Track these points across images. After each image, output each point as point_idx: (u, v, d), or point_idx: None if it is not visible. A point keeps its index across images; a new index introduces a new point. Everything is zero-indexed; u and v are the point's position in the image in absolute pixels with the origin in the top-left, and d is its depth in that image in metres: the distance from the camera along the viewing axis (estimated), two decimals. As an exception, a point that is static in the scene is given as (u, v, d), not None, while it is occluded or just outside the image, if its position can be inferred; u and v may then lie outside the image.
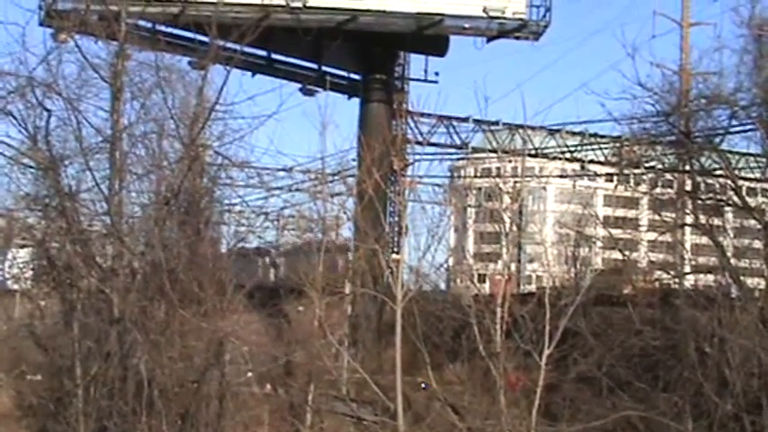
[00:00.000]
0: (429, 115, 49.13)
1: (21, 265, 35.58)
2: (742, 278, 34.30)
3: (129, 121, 30.51)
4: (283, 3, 43.49)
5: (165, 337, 28.44)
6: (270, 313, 39.90)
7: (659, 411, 29.84)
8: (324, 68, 48.49)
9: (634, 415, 29.97)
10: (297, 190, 49.04)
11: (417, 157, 50.04)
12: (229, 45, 33.39)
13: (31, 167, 30.19)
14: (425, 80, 48.95)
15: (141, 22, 33.63)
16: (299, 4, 43.63)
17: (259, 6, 42.20)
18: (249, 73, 44.85)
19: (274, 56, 47.84)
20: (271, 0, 43.31)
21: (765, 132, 35.19)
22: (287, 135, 75.47)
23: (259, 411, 33.87)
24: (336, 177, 43.53)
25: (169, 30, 40.78)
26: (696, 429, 29.41)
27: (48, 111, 29.60)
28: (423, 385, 32.66)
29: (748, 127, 36.33)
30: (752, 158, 38.58)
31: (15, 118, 29.63)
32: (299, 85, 47.34)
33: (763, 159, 36.42)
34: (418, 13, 44.37)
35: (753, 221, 35.79)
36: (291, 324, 38.16)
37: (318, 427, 34.28)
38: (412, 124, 48.76)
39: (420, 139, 49.14)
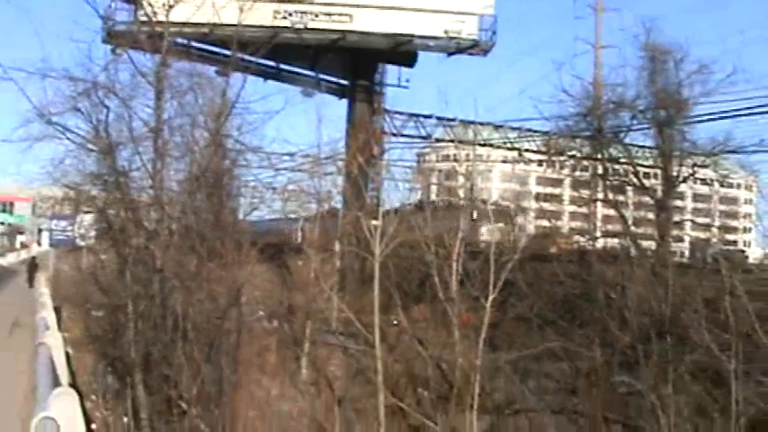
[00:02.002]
0: (401, 113, 49.39)
1: (86, 227, 36.13)
2: (639, 241, 34.93)
3: (168, 115, 31.08)
4: (289, 25, 43.94)
5: (195, 284, 29.06)
6: (277, 265, 40.40)
7: (576, 343, 30.31)
8: (320, 75, 48.62)
9: (557, 345, 30.57)
10: (298, 170, 49.12)
11: (392, 145, 50.32)
12: (246, 57, 33.97)
13: (93, 151, 30.68)
14: (399, 86, 49.15)
15: (179, 40, 33.98)
16: (302, 26, 44.10)
17: (270, 28, 42.61)
18: (261, 79, 45.35)
19: (281, 66, 48.02)
20: (279, 22, 43.84)
21: (658, 130, 35.69)
22: (291, 127, 75.51)
23: (268, 342, 34.48)
24: (329, 160, 43.87)
25: (200, 45, 41.34)
26: (603, 356, 29.78)
27: (107, 107, 30.25)
28: (395, 322, 32.91)
29: (645, 126, 36.82)
30: (647, 150, 38.96)
31: (82, 113, 30.24)
32: (301, 89, 47.58)
33: (656, 150, 36.79)
34: (393, 34, 44.79)
35: (647, 198, 36.31)
36: (293, 274, 38.53)
37: (314, 354, 34.81)
38: (388, 120, 49.02)
39: (394, 131, 49.38)
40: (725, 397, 25.48)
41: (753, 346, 25.23)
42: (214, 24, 39.37)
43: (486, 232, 41.29)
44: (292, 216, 47.61)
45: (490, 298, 29.03)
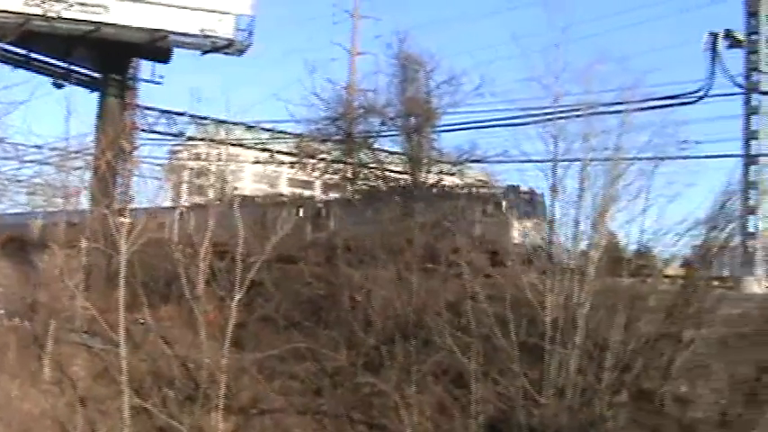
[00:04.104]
0: (153, 109, 47.92)
1: None
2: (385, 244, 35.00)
3: None
4: (41, 12, 41.76)
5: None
6: (19, 261, 38.48)
7: (322, 344, 30.22)
8: (72, 66, 46.54)
9: (303, 347, 30.30)
10: (45, 163, 46.92)
11: (143, 142, 48.76)
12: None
13: None
14: (152, 81, 47.64)
15: None
16: (54, 15, 41.98)
17: (20, 14, 40.41)
18: (9, 67, 42.96)
19: (32, 54, 45.70)
20: (30, 9, 41.60)
21: (406, 137, 36.13)
22: (39, 118, 72.03)
23: (8, 339, 32.64)
24: (78, 155, 42.02)
25: (-59, 29, 38.65)
26: (348, 357, 29.82)
27: None
28: (141, 321, 31.98)
29: (394, 132, 37.17)
30: (396, 156, 39.32)
31: None
32: (51, 79, 45.45)
33: (404, 156, 37.22)
34: (149, 29, 43.32)
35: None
36: (37, 271, 36.78)
37: (57, 353, 33.24)
38: (140, 115, 47.48)
39: (145, 127, 47.85)
40: (465, 396, 26.18)
41: (491, 348, 25.90)
42: (-44, 7, 37.02)
43: (520, 232, 35.91)
44: (38, 210, 45.45)
45: (236, 298, 28.67)
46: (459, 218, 31.20)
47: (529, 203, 36.58)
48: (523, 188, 36.42)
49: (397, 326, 28.93)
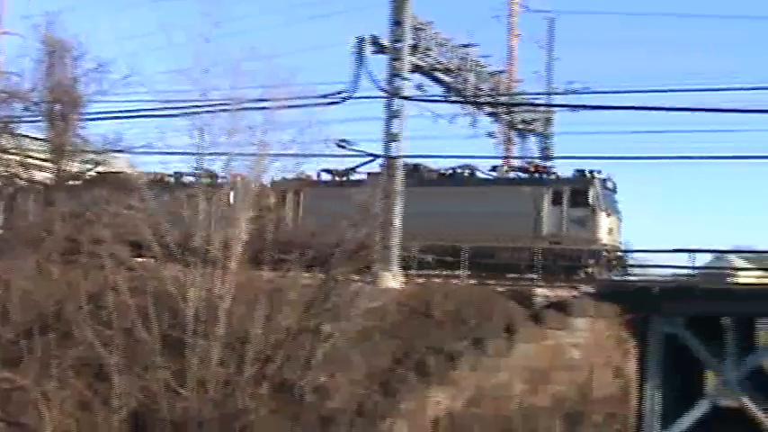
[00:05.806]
0: None
1: None
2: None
3: None
4: None
5: None
6: None
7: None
8: None
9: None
10: None
11: None
12: None
13: None
14: None
15: None
16: None
17: None
18: None
19: None
20: None
21: (50, 124, 34.53)
22: None
23: None
24: None
25: None
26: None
27: None
28: None
29: (38, 118, 35.44)
30: (39, 142, 37.40)
31: None
32: None
33: (47, 144, 35.54)
34: None
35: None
36: None
37: None
38: None
39: None
40: (107, 390, 25.30)
41: (134, 341, 25.24)
42: None
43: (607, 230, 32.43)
44: None
45: None
46: (102, 208, 29.72)
47: (610, 194, 33.53)
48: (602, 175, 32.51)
49: (37, 318, 27.36)
